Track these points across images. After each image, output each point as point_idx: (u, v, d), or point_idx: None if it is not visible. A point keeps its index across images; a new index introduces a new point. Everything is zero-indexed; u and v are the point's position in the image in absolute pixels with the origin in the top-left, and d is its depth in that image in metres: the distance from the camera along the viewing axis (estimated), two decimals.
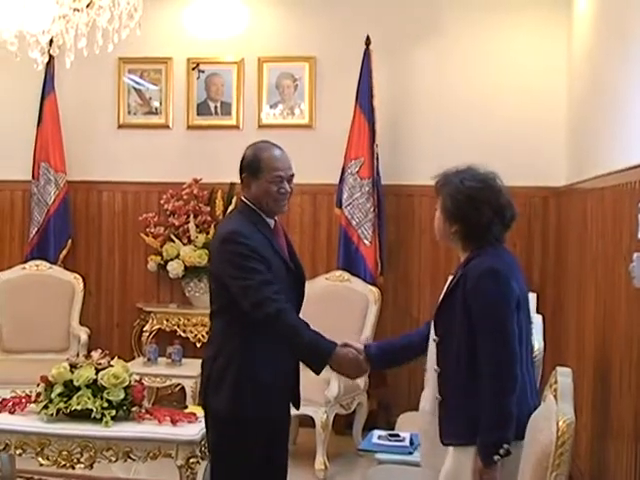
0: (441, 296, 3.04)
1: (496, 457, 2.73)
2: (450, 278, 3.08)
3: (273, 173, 3.31)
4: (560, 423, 2.23)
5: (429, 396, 3.03)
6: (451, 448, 2.91)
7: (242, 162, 3.39)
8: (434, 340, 3.00)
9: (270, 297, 3.16)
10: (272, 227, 3.40)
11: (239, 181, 3.42)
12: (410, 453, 3.85)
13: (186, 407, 4.44)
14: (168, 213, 6.44)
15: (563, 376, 2.47)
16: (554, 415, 2.30)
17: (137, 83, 6.69)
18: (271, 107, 6.53)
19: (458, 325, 2.90)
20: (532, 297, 4.54)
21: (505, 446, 2.73)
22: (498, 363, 2.78)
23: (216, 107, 6.61)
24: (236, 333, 3.26)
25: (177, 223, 6.37)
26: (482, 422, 2.78)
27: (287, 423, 3.58)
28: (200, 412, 4.18)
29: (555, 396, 2.41)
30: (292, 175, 3.39)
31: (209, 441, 3.46)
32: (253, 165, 3.34)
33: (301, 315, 3.35)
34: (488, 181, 3.08)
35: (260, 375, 3.26)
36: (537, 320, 3.85)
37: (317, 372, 3.25)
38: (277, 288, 3.20)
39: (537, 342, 3.53)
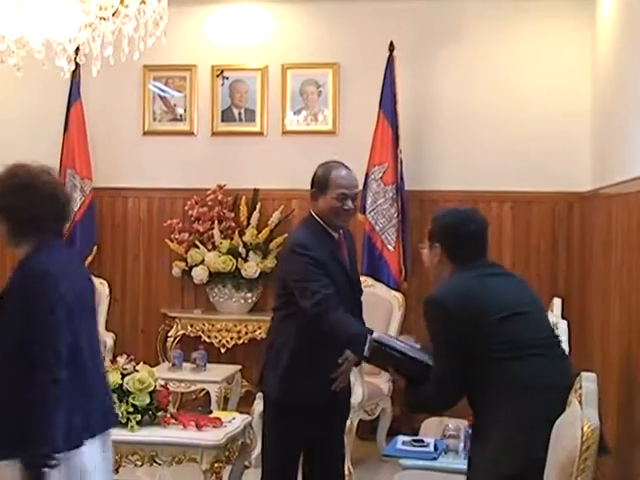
0: None
1: (46, 469, 2.57)
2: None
3: (338, 190, 3.61)
4: (585, 428, 2.23)
5: None
6: None
7: (313, 178, 3.70)
8: None
9: (323, 298, 3.49)
10: (336, 239, 3.71)
11: (309, 195, 3.72)
12: (434, 459, 3.84)
13: (211, 412, 4.46)
14: (192, 219, 6.48)
15: (588, 381, 2.46)
16: (579, 420, 2.30)
17: (162, 90, 6.74)
18: (295, 113, 6.55)
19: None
20: (557, 302, 4.53)
21: (56, 456, 2.58)
22: (39, 369, 2.60)
23: (240, 114, 6.65)
24: (290, 325, 3.63)
25: (201, 229, 6.41)
26: (31, 434, 2.58)
27: (329, 410, 3.73)
28: (225, 417, 4.23)
29: (580, 401, 2.40)
30: (357, 193, 3.74)
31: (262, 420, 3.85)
32: (321, 181, 3.65)
33: None
34: None
35: (307, 364, 3.58)
36: (562, 325, 3.84)
37: (360, 357, 3.49)
38: (333, 291, 3.52)
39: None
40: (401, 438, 4.07)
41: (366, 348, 3.28)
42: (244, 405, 5.75)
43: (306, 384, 3.60)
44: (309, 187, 3.72)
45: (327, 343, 3.59)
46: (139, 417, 4.01)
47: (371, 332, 3.44)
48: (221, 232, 6.35)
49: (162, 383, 4.26)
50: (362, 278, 5.87)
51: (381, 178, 6.01)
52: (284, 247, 3.93)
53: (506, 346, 2.91)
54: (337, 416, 3.87)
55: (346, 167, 3.71)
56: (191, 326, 6.33)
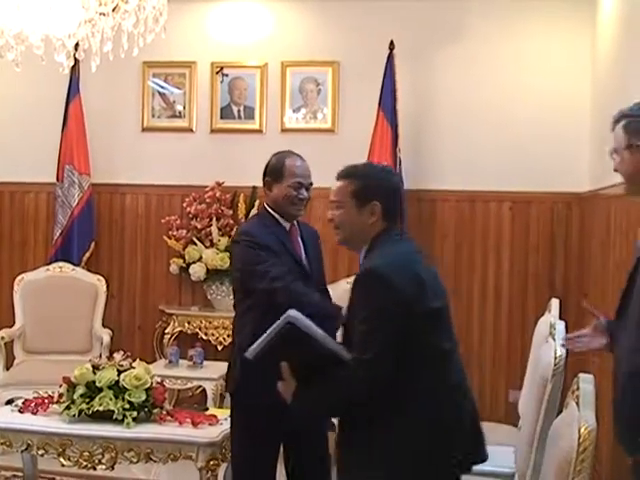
0: None
1: None
2: None
3: (293, 179, 3.64)
4: (582, 430, 2.22)
5: None
6: None
7: (266, 167, 3.72)
8: None
9: (275, 276, 3.47)
10: (287, 230, 3.70)
11: (262, 184, 3.74)
12: None
13: (207, 409, 4.45)
14: (191, 216, 6.47)
15: (585, 383, 2.45)
16: (576, 422, 2.29)
17: (161, 87, 6.73)
18: (294, 111, 6.54)
19: None
20: (555, 303, 4.53)
21: None
22: None
23: (239, 111, 6.64)
24: (246, 321, 3.56)
25: (199, 226, 6.40)
26: None
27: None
28: (221, 414, 4.22)
29: (577, 403, 2.40)
30: (310, 184, 3.71)
31: None
32: (276, 170, 3.67)
33: None
34: None
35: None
36: (560, 326, 3.82)
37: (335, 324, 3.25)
38: (286, 269, 3.52)
39: (559, 348, 3.50)
40: None
41: (273, 329, 2.71)
42: None
43: (258, 382, 3.35)
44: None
45: None
46: (135, 414, 4.00)
47: (341, 308, 3.26)
48: (219, 229, 6.35)
49: (158, 380, 4.26)
50: None
51: None
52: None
53: (435, 339, 2.72)
54: None
55: (300, 157, 3.72)
56: (188, 323, 6.33)
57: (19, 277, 6.28)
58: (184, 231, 6.44)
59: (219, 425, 4.07)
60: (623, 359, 2.81)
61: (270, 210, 3.69)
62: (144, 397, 4.04)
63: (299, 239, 3.74)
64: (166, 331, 6.38)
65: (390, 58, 6.04)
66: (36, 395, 4.36)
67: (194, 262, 6.31)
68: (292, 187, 3.63)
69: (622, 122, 2.82)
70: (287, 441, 3.75)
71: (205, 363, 5.77)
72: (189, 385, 5.80)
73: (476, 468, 3.60)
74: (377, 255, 2.80)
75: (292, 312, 2.73)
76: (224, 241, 6.28)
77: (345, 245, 2.97)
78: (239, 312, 3.69)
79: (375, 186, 2.87)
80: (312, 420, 3.05)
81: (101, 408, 3.99)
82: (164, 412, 4.11)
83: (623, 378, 2.76)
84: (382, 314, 2.64)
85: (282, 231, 3.68)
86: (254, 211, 6.34)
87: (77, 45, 4.22)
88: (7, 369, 5.88)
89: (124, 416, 3.97)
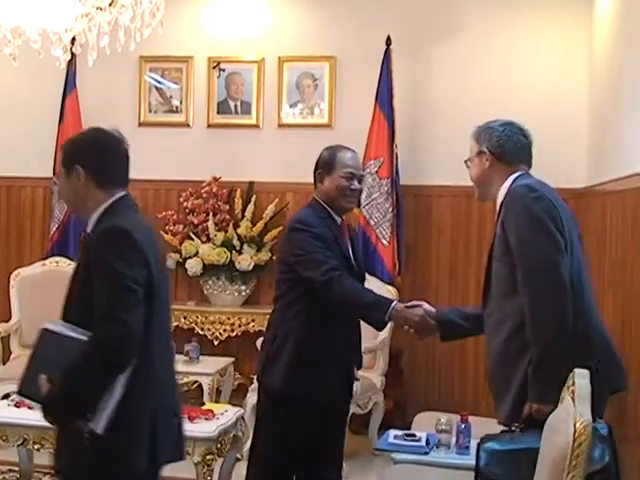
0: None
1: None
2: None
3: (345, 169, 3.59)
4: (577, 425, 2.23)
5: None
6: None
7: (318, 161, 3.67)
8: None
9: (332, 267, 3.44)
10: (339, 224, 3.64)
11: (312, 179, 3.67)
12: (426, 453, 3.83)
13: (203, 404, 4.46)
14: (187, 211, 6.47)
15: (580, 378, 2.46)
16: (571, 417, 2.30)
17: (158, 82, 6.73)
18: (291, 106, 6.54)
19: None
20: None
21: None
22: None
23: (236, 106, 6.64)
24: (295, 312, 3.52)
25: (196, 221, 6.40)
26: None
27: (340, 405, 3.76)
28: (217, 409, 4.23)
29: (572, 398, 2.41)
30: (362, 175, 3.73)
31: (257, 416, 3.69)
32: (328, 162, 3.62)
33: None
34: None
35: (315, 354, 3.48)
36: None
37: (379, 324, 3.53)
38: (337, 262, 3.49)
39: None
40: (393, 432, 4.07)
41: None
42: (236, 397, 5.76)
43: (316, 376, 3.47)
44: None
45: (339, 330, 3.53)
46: None
47: (392, 300, 3.49)
48: (215, 224, 6.34)
49: None
50: None
51: (377, 172, 6.01)
52: (284, 229, 3.79)
53: (162, 315, 2.63)
54: (341, 414, 3.79)
55: (352, 150, 3.71)
56: (184, 318, 6.32)
57: (15, 272, 6.27)
58: (181, 226, 6.43)
59: (215, 420, 4.08)
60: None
61: (322, 203, 3.61)
62: None
63: (347, 234, 3.71)
64: None
65: (387, 53, 6.05)
66: None
67: (190, 257, 6.31)
68: (344, 177, 3.57)
69: (475, 135, 3.35)
70: (309, 441, 3.61)
71: (201, 358, 5.77)
72: (185, 380, 5.78)
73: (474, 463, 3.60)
74: (113, 217, 2.60)
75: (48, 324, 2.57)
76: (220, 236, 6.28)
77: (74, 214, 2.87)
78: (284, 303, 3.57)
79: (74, 150, 2.74)
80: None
81: None
82: None
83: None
84: (128, 271, 2.45)
85: (334, 225, 3.61)
86: (251, 206, 6.35)
87: (74, 39, 4.22)
88: (3, 364, 5.88)
89: None
